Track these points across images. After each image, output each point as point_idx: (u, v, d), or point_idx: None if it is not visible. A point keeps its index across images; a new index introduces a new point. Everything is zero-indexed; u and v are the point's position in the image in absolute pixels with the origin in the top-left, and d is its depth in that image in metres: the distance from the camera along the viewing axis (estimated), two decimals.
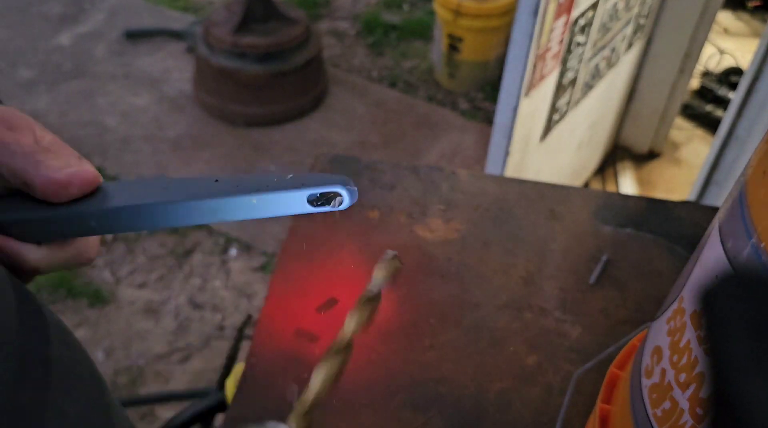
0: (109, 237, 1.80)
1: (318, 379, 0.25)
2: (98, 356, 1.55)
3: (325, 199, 0.31)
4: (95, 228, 0.32)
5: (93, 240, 0.35)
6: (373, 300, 0.30)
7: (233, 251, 1.78)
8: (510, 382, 0.61)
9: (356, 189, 0.31)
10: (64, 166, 0.31)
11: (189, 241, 1.81)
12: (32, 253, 0.33)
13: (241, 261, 1.76)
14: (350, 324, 0.27)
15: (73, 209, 0.32)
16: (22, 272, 0.33)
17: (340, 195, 0.31)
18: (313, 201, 0.31)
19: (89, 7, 2.65)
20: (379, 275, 0.31)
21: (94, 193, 0.32)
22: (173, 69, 2.38)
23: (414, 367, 0.62)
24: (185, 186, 0.32)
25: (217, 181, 0.32)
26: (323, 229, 0.73)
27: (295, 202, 0.31)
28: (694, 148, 2.21)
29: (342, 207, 0.31)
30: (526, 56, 1.17)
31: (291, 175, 0.31)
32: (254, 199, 0.30)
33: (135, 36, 2.49)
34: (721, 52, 2.53)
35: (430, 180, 0.80)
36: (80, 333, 1.58)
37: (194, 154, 2.06)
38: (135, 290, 1.68)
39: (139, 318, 1.62)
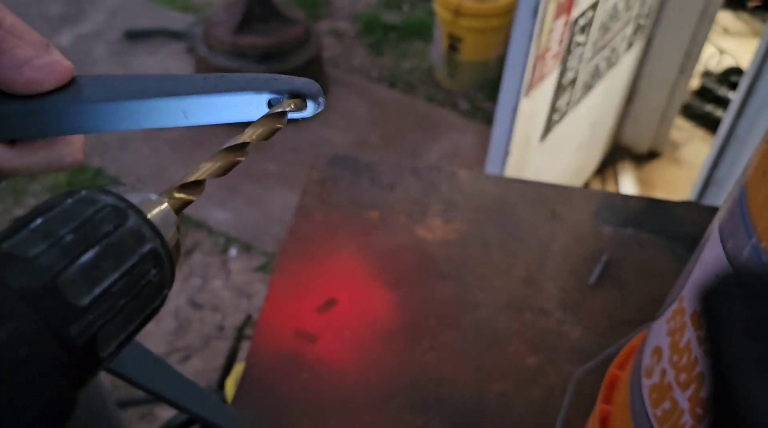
0: None
1: (205, 164, 0.24)
2: None
3: (287, 103, 0.29)
4: (69, 126, 0.30)
5: (76, 140, 0.32)
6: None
7: (233, 251, 1.78)
8: (510, 383, 0.61)
9: (323, 98, 0.29)
10: (35, 56, 0.28)
11: (189, 241, 1.81)
12: (2, 154, 0.29)
13: (240, 262, 1.76)
14: (250, 130, 0.27)
15: (44, 103, 0.29)
16: None
17: (303, 99, 0.29)
18: (273, 103, 0.29)
19: (89, 7, 2.65)
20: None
21: (66, 86, 0.29)
22: (173, 69, 2.38)
23: (414, 368, 0.62)
24: (166, 82, 0.30)
25: (204, 78, 0.30)
26: (323, 230, 0.73)
27: (254, 105, 0.29)
28: (695, 148, 2.21)
29: (305, 114, 0.30)
30: (526, 56, 1.16)
31: (254, 76, 0.30)
32: (222, 99, 0.29)
33: (135, 36, 2.49)
34: (721, 52, 2.53)
35: (430, 180, 0.80)
36: None
37: (193, 154, 2.06)
38: None
39: None
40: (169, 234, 0.21)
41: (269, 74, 0.30)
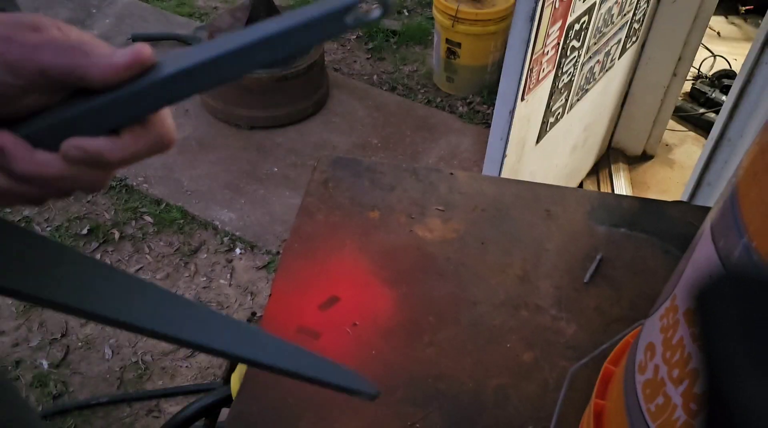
0: (116, 235, 1.81)
1: None
2: (106, 353, 1.56)
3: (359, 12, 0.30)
4: (162, 99, 0.32)
5: (167, 121, 0.34)
6: None
7: (238, 250, 1.80)
8: (507, 378, 0.62)
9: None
10: (113, 51, 0.31)
11: (195, 240, 1.82)
12: (111, 145, 0.31)
13: (245, 260, 1.77)
14: None
15: (135, 86, 0.31)
16: (107, 167, 0.32)
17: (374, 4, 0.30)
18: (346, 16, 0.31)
19: (96, 12, 2.66)
20: None
21: (149, 69, 0.32)
22: None
23: (413, 364, 0.63)
24: (237, 36, 0.32)
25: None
26: (325, 229, 0.75)
27: (335, 23, 0.30)
28: (687, 150, 2.24)
29: (373, 16, 0.30)
30: (523, 61, 1.18)
31: None
32: (298, 29, 0.31)
33: (141, 41, 2.49)
34: (714, 55, 2.56)
35: (429, 181, 0.81)
36: (88, 331, 1.59)
37: (199, 156, 2.07)
38: None
39: None
40: None
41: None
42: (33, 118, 0.32)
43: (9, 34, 0.30)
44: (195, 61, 0.31)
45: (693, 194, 1.39)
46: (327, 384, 0.34)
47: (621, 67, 1.78)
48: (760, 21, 2.10)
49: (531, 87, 1.27)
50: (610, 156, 2.12)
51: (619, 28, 1.60)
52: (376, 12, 0.30)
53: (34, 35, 0.30)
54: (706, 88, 2.35)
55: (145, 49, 0.31)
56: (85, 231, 1.81)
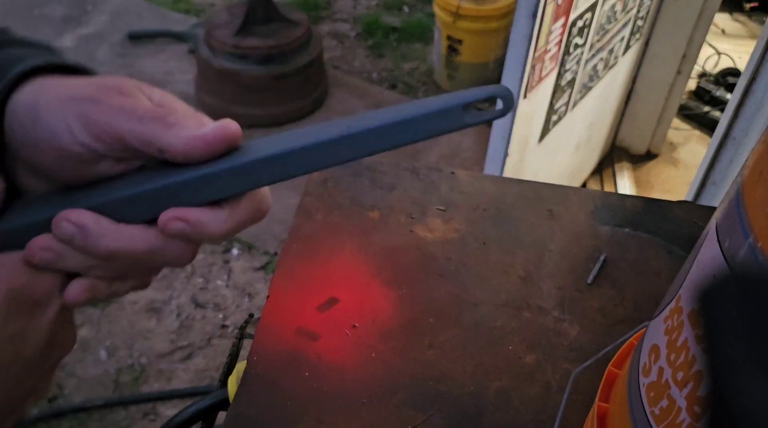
0: None
1: None
2: (101, 355, 1.55)
3: (480, 108, 0.30)
4: (255, 181, 0.32)
5: (264, 192, 0.33)
6: None
7: (235, 251, 1.79)
8: (509, 381, 0.62)
9: (513, 95, 0.30)
10: (200, 125, 0.30)
11: None
12: (212, 217, 0.30)
13: (242, 261, 1.77)
14: None
15: (228, 163, 0.31)
16: (203, 241, 0.31)
17: (495, 101, 0.30)
18: (468, 110, 0.30)
19: (92, 9, 2.66)
20: None
21: (234, 147, 0.32)
22: (175, 71, 2.39)
23: (413, 366, 0.63)
24: (353, 120, 0.31)
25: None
26: (324, 229, 0.74)
27: (453, 116, 0.30)
28: (692, 149, 2.23)
29: (495, 112, 0.30)
30: (525, 58, 1.17)
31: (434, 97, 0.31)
32: (410, 124, 0.30)
33: (137, 38, 2.50)
34: (719, 53, 2.54)
35: (429, 180, 0.81)
36: (83, 333, 1.59)
37: None
38: None
39: (142, 317, 1.62)
40: None
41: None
42: (104, 187, 0.31)
43: (97, 96, 0.29)
44: (306, 143, 0.32)
45: (698, 193, 1.39)
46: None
47: (625, 65, 1.78)
48: (765, 18, 2.08)
49: (533, 85, 1.26)
50: (613, 155, 2.12)
51: (623, 25, 1.59)
52: (499, 106, 0.30)
53: (119, 98, 0.29)
54: (710, 86, 2.34)
55: (231, 126, 0.31)
56: None
